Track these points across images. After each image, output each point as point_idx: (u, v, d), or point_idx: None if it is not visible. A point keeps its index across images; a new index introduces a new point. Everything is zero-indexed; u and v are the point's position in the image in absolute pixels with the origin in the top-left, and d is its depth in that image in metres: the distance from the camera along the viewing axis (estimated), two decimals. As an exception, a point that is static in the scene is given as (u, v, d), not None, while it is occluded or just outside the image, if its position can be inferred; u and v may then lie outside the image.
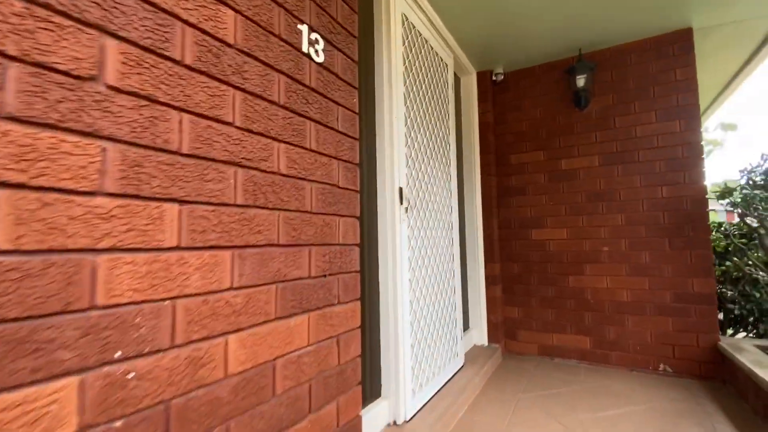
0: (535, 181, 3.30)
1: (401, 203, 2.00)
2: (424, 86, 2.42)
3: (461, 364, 2.72)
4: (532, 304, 3.25)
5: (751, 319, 3.23)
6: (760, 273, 2.78)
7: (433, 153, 2.50)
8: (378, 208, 1.98)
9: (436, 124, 2.57)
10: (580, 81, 3.03)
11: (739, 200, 2.32)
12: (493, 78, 3.44)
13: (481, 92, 3.43)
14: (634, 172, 2.93)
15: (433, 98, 2.54)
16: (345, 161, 1.29)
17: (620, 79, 3.02)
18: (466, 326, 3.26)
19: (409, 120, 2.20)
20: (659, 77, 2.89)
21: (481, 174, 3.38)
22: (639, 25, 2.78)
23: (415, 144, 2.26)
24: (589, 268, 3.05)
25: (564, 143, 3.20)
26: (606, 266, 2.99)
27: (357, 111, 1.38)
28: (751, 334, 3.30)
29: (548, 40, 2.97)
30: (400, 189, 2.01)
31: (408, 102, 2.20)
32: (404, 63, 2.17)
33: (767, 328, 3.21)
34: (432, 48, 2.58)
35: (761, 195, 2.18)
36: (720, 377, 2.59)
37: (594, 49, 3.09)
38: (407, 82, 2.20)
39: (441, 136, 2.64)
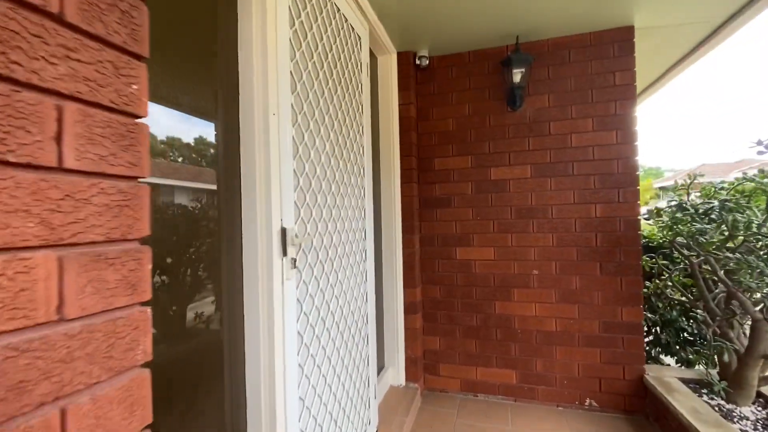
0: (461, 191, 2.80)
1: (285, 253, 1.26)
2: (326, 65, 1.66)
3: (375, 430, 2.14)
4: (455, 334, 2.80)
5: (656, 329, 3.24)
6: (678, 295, 2.69)
7: (341, 162, 1.78)
8: (244, 270, 1.21)
9: (344, 121, 1.83)
10: (517, 76, 2.56)
11: (684, 231, 2.07)
12: (417, 62, 2.81)
13: (403, 78, 2.78)
14: (568, 186, 2.59)
15: (340, 83, 1.80)
16: (84, 244, 0.51)
17: (558, 77, 2.62)
18: (380, 365, 2.69)
19: (301, 116, 1.43)
20: (598, 80, 2.55)
21: (402, 181, 2.77)
22: (580, 15, 2.37)
23: (312, 153, 1.51)
24: (517, 294, 2.68)
25: (494, 148, 2.74)
26: (535, 292, 2.65)
27: (135, 112, 0.59)
28: (649, 338, 3.34)
29: (481, 21, 2.41)
30: (284, 231, 1.25)
31: (299, 88, 1.42)
32: (292, 25, 1.38)
33: (668, 338, 3.26)
34: (339, 10, 1.81)
35: (704, 227, 1.94)
36: (644, 411, 2.43)
37: (532, 40, 2.63)
38: (298, 55, 1.42)
39: (351, 137, 1.92)
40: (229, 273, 1.22)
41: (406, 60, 2.76)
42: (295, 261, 1.30)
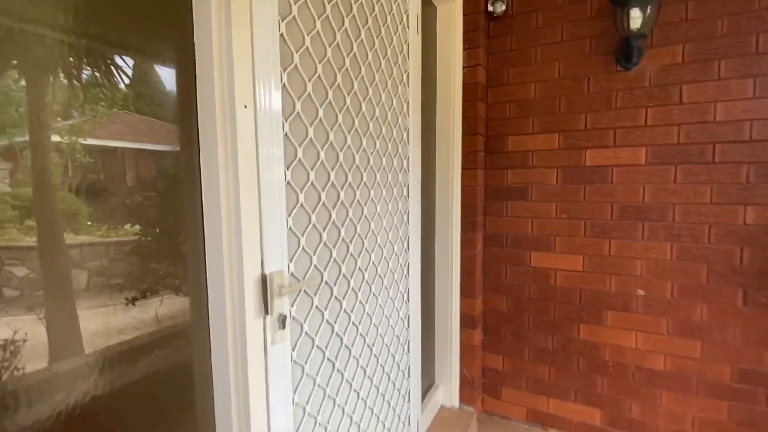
0: (542, 180, 2.17)
1: (267, 311, 0.87)
2: (349, 22, 1.16)
3: (415, 471, 1.80)
4: (523, 355, 2.30)
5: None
6: None
7: (372, 158, 1.32)
8: (212, 337, 0.86)
9: (380, 100, 1.35)
10: (636, 19, 1.79)
11: None
12: (489, 8, 2.14)
13: (469, 32, 2.14)
14: (704, 178, 1.83)
15: (373, 47, 1.30)
16: None
17: (702, 17, 1.79)
18: (429, 382, 2.33)
19: (302, 102, 0.98)
20: (773, 17, 1.68)
21: (463, 166, 2.22)
22: None
23: (323, 153, 1.07)
24: (612, 317, 2.06)
25: (593, 123, 2.03)
26: (638, 318, 2.00)
27: None
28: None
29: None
30: (264, 280, 0.87)
31: (298, 60, 0.97)
32: (285, -38, 0.91)
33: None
34: (373, -62, 1.27)
35: None
36: (791, 495, 1.75)
37: (664, -38, 1.81)
38: (295, 10, 0.95)
39: (391, 120, 1.43)
40: (197, 339, 0.88)
41: (474, 6, 2.10)
42: (285, 319, 0.91)
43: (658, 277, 1.94)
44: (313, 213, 1.04)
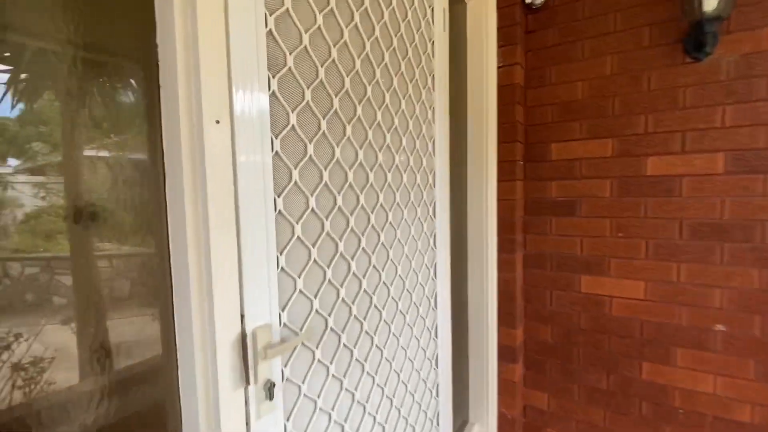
0: (593, 192, 1.88)
1: (249, 380, 0.69)
2: (359, 16, 0.98)
3: None
4: (572, 394, 1.99)
5: None
6: None
7: (390, 175, 1.12)
8: (183, 413, 0.69)
9: (398, 107, 1.15)
10: (710, 1, 1.48)
11: None
12: (527, 0, 1.89)
13: (505, 28, 1.91)
14: (804, 190, 1.49)
15: (390, 46, 1.10)
16: None
17: (798, -7, 1.46)
18: (463, 418, 2.07)
19: (297, 113, 0.80)
20: None
21: (499, 178, 1.97)
22: None
23: (326, 173, 0.89)
24: (683, 356, 1.72)
25: (655, 126, 1.73)
26: (717, 358, 1.66)
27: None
28: None
29: None
30: (244, 339, 0.68)
31: (292, 63, 0.79)
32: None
33: None
34: None
35: None
36: None
37: (745, -71, 1.50)
38: (289, 2, 0.77)
39: (414, 129, 1.23)
40: (170, 418, 0.71)
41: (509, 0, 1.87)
42: (273, 387, 0.72)
43: (743, 310, 1.60)
44: (313, 247, 0.86)
